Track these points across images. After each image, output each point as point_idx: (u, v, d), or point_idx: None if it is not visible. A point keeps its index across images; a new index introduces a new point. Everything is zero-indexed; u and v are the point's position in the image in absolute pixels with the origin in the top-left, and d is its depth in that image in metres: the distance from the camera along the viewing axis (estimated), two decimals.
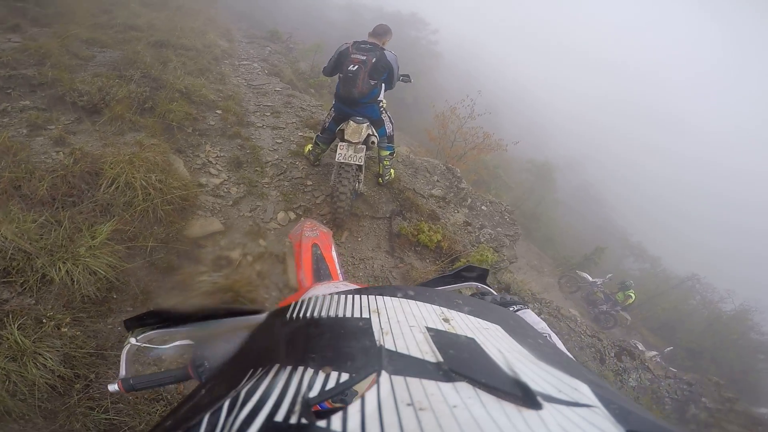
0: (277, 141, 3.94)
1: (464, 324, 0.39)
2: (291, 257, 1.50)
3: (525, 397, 0.26)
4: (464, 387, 0.27)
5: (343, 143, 2.98)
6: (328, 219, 3.40)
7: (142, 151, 2.76)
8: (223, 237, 2.93)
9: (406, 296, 0.44)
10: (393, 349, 0.32)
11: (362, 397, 0.25)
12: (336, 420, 0.23)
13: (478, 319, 0.42)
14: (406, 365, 0.30)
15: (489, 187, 11.60)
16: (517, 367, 0.31)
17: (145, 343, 0.61)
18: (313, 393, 0.27)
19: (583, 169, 26.10)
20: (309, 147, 3.66)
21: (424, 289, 0.50)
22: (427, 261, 3.45)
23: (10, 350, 1.59)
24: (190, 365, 0.61)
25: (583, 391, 0.29)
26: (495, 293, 0.80)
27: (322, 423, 0.23)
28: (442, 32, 21.03)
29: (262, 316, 0.59)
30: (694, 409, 4.85)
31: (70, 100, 3.11)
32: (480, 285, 0.84)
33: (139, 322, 0.62)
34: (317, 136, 3.47)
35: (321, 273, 1.28)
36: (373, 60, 2.94)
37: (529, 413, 0.24)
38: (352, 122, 3.01)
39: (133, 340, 0.60)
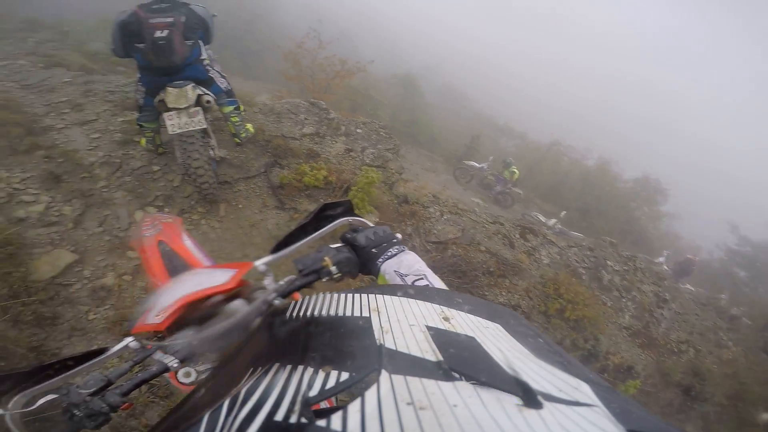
0: (94, 136, 3.19)
1: (464, 323, 0.39)
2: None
3: (525, 396, 0.26)
4: (464, 386, 0.26)
5: (170, 112, 2.62)
6: (195, 199, 3.04)
7: None
8: (83, 266, 2.47)
9: (407, 295, 0.44)
10: (393, 347, 0.32)
11: (362, 396, 0.24)
12: (336, 419, 0.23)
13: (478, 317, 0.42)
14: (406, 364, 0.29)
15: (366, 109, 11.66)
16: (518, 366, 0.30)
17: (29, 407, 0.53)
18: (313, 392, 0.27)
19: (443, 72, 27.64)
20: (143, 140, 3.18)
21: (424, 288, 0.50)
22: (322, 200, 3.37)
23: None
24: None
25: (584, 391, 0.29)
26: (369, 224, 0.75)
27: (321, 422, 0.23)
28: None
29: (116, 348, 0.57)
30: (606, 274, 4.93)
31: None
32: (351, 219, 0.78)
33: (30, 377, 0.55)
34: (137, 118, 3.00)
35: (177, 268, 1.12)
36: (183, 19, 2.63)
37: (530, 412, 0.24)
38: (170, 89, 2.64)
39: (5, 410, 0.53)
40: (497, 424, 0.22)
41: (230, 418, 0.26)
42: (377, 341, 0.33)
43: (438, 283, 0.62)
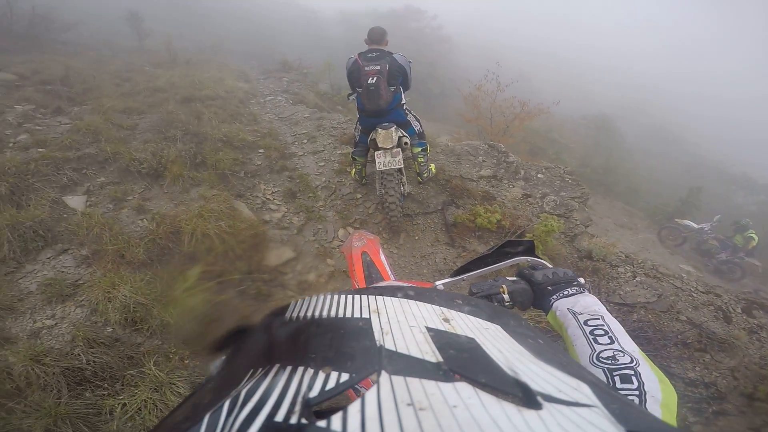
0: (320, 164, 4.11)
1: (464, 324, 0.39)
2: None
3: (525, 396, 0.26)
4: (464, 387, 0.27)
5: (379, 151, 3.04)
6: (383, 226, 3.46)
7: (207, 203, 3.05)
8: (297, 262, 3.15)
9: (406, 296, 0.44)
10: (393, 349, 0.32)
11: (362, 397, 0.25)
12: (336, 420, 0.23)
13: (478, 318, 0.42)
14: (406, 365, 0.30)
15: (547, 153, 10.88)
16: (517, 367, 0.31)
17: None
18: (314, 393, 0.27)
19: (643, 113, 23.52)
20: (353, 171, 3.71)
21: (424, 289, 0.49)
22: (491, 243, 3.34)
23: (151, 383, 1.93)
24: None
25: (584, 391, 0.29)
26: (549, 265, 0.76)
27: (322, 423, 0.23)
28: (442, 16, 20.44)
29: None
30: None
31: (134, 169, 3.46)
32: (530, 258, 0.80)
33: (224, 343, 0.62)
34: (352, 152, 3.54)
35: (373, 277, 1.35)
36: (387, 67, 2.96)
37: (529, 413, 0.24)
38: (380, 130, 3.04)
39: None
40: (497, 425, 0.22)
41: (231, 419, 0.26)
42: (377, 342, 0.33)
43: (616, 326, 0.58)
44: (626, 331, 0.59)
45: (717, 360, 3.02)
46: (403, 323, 0.37)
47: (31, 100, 4.60)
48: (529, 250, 0.81)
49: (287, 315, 0.44)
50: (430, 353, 0.31)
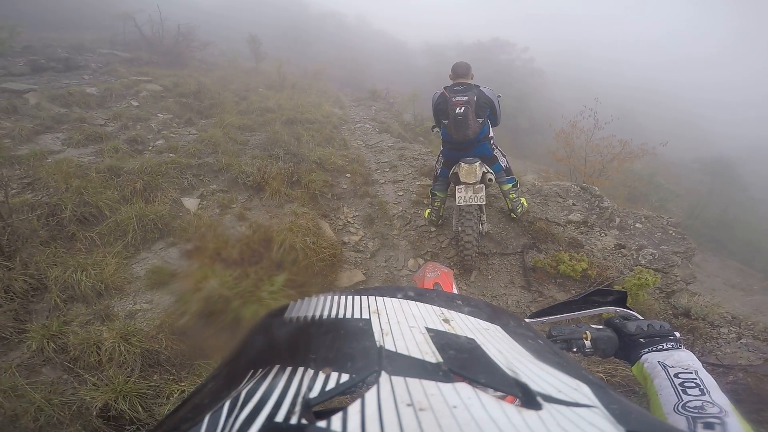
0: (399, 194, 4.24)
1: (464, 324, 0.39)
2: None
3: (525, 397, 0.26)
4: (464, 387, 0.27)
5: (461, 185, 2.97)
6: (454, 261, 3.41)
7: (297, 219, 3.34)
8: (365, 286, 3.23)
9: (406, 297, 0.44)
10: (393, 349, 0.32)
11: (362, 398, 0.25)
12: (336, 420, 0.23)
13: (478, 319, 0.42)
14: (406, 366, 0.30)
15: (650, 200, 9.78)
16: (517, 368, 0.30)
17: None
18: (314, 394, 0.27)
19: None
20: (427, 212, 3.65)
21: (424, 290, 0.49)
22: (572, 292, 3.06)
23: None
24: None
25: (583, 392, 0.29)
26: (640, 317, 0.72)
27: (322, 423, 0.23)
28: (534, 48, 19.87)
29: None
30: None
31: (241, 181, 3.92)
32: (620, 309, 0.76)
33: None
34: (432, 186, 3.49)
35: None
36: (475, 98, 2.94)
37: (529, 413, 0.24)
38: (463, 164, 2.98)
39: None
40: (497, 425, 0.22)
41: (231, 420, 0.26)
42: (377, 343, 0.33)
43: (709, 380, 0.55)
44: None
45: None
46: (403, 324, 0.37)
47: (170, 110, 5.63)
48: (621, 300, 0.77)
49: (287, 315, 0.44)
50: (430, 354, 0.32)
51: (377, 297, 0.44)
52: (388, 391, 0.26)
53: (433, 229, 3.70)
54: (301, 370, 0.31)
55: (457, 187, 3.00)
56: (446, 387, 0.27)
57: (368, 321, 0.38)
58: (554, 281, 3.20)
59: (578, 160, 7.23)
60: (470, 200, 2.93)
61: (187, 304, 2.44)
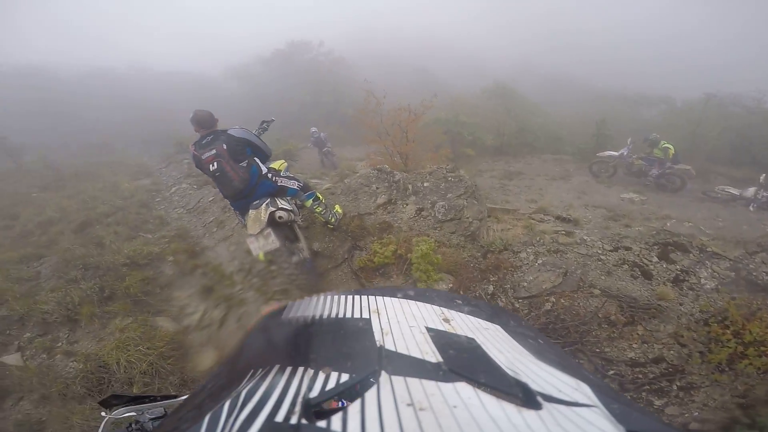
0: (231, 249, 4.05)
1: (464, 324, 0.39)
2: None
3: (525, 397, 0.26)
4: (464, 387, 0.27)
5: (250, 237, 2.80)
6: (303, 288, 3.65)
7: (123, 334, 3.15)
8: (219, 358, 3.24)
9: (406, 296, 0.45)
10: (393, 349, 0.32)
11: (362, 398, 0.25)
12: (336, 420, 0.23)
13: (478, 319, 0.42)
14: (406, 365, 0.30)
15: (464, 138, 11.34)
16: (517, 368, 0.30)
17: (120, 415, 0.70)
18: (314, 393, 0.27)
19: (535, 67, 25.39)
20: (261, 254, 3.48)
21: (424, 290, 0.50)
22: (394, 276, 3.45)
23: None
24: None
25: (584, 391, 0.29)
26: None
27: (322, 423, 0.23)
28: (328, 41, 20.65)
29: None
30: None
31: (50, 320, 3.44)
32: None
33: (111, 402, 0.70)
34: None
35: None
36: (224, 146, 2.76)
37: (529, 413, 0.24)
38: (250, 211, 2.84)
39: (108, 414, 0.71)
40: (497, 425, 0.22)
41: (231, 419, 0.26)
42: (377, 343, 0.33)
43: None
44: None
45: (650, 329, 2.81)
46: (403, 323, 0.37)
47: None
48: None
49: (285, 316, 0.43)
50: (430, 353, 0.31)
51: (377, 296, 0.44)
52: (388, 390, 0.25)
53: (273, 267, 3.85)
54: (301, 370, 0.30)
55: (248, 239, 2.82)
56: (446, 387, 0.26)
57: (368, 320, 0.38)
58: (378, 273, 3.47)
59: (385, 138, 7.82)
60: (264, 247, 2.80)
61: None
